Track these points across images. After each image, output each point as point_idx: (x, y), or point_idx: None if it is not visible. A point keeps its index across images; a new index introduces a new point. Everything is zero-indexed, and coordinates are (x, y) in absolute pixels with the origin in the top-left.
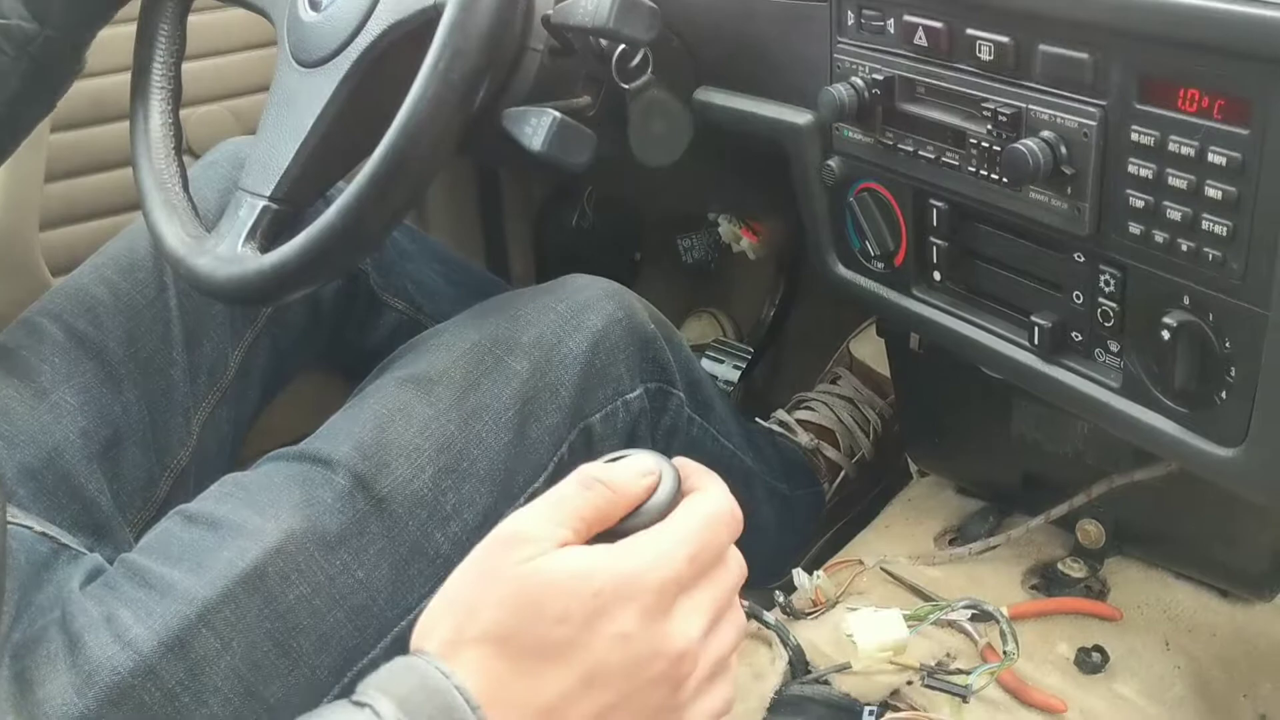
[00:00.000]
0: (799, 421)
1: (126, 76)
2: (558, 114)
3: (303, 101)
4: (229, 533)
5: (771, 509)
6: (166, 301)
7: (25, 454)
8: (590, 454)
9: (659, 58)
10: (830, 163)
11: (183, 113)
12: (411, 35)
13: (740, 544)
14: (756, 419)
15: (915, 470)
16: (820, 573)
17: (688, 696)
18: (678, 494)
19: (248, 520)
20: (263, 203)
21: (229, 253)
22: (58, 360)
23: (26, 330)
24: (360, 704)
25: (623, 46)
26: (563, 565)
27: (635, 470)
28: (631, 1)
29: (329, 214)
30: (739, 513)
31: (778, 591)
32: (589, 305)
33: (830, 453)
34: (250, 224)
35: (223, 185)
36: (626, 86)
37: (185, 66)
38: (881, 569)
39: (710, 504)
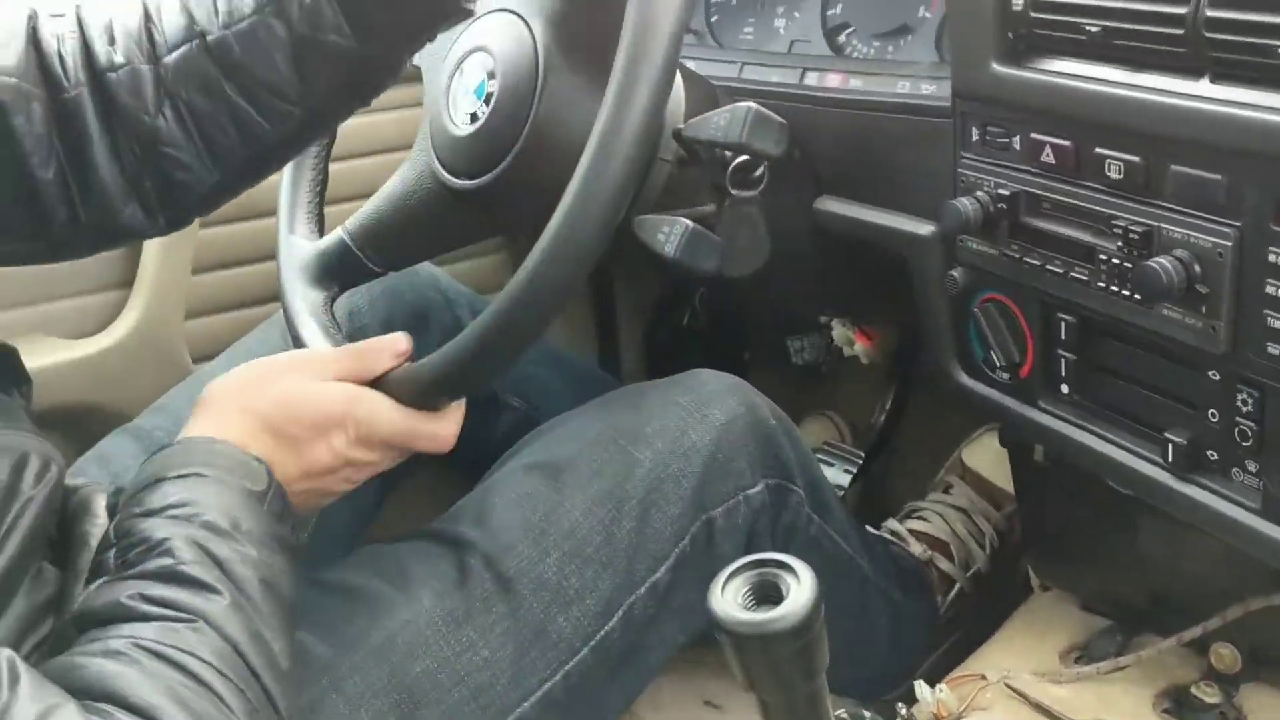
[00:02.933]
0: (911, 531)
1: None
2: (690, 223)
3: (449, 215)
4: (362, 603)
5: (886, 617)
6: None
7: None
8: (711, 549)
9: (778, 169)
10: (953, 273)
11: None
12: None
13: (854, 652)
14: (869, 526)
15: (1037, 584)
16: (943, 686)
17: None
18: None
19: (381, 592)
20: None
21: None
22: None
23: (161, 413)
24: (199, 474)
25: (742, 157)
26: (321, 394)
27: (389, 350)
28: (763, 117)
29: (489, 311)
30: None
31: (900, 704)
32: (713, 399)
33: (944, 565)
34: None
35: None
36: (736, 193)
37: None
38: (1005, 685)
39: (426, 429)
